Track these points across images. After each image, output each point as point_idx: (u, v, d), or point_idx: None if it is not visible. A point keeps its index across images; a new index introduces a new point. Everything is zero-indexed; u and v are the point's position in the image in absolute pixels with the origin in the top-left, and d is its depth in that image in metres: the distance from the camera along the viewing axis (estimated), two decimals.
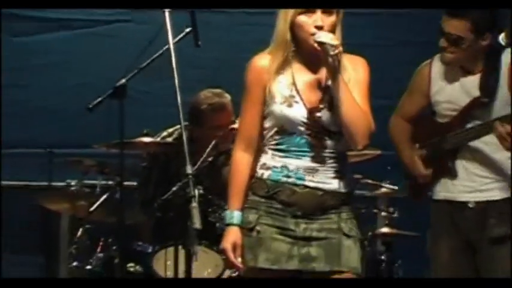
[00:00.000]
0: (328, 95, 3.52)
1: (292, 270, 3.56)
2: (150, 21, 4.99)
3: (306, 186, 3.55)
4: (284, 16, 3.55)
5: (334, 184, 3.57)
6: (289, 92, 3.56)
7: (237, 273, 4.72)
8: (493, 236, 4.18)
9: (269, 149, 3.61)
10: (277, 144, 3.59)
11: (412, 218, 4.69)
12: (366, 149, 4.12)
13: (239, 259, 3.59)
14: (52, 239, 6.18)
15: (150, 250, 5.03)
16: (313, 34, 3.48)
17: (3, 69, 6.27)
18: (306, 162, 3.55)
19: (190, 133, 5.18)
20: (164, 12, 3.91)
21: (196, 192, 3.61)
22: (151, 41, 3.98)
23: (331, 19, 3.52)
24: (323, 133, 3.55)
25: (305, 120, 3.54)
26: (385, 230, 5.31)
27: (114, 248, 5.13)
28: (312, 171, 3.55)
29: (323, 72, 3.55)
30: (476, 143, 4.22)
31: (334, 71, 3.45)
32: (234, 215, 3.60)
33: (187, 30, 4.11)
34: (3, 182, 6.24)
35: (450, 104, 4.28)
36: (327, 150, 3.56)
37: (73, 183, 5.36)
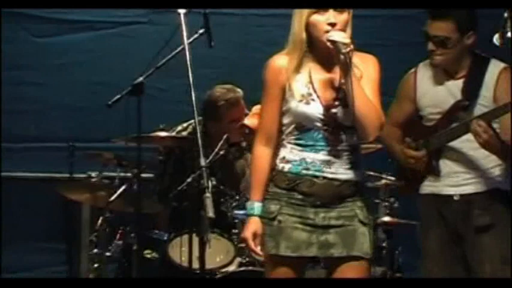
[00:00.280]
0: (342, 93, 3.62)
1: (311, 256, 3.69)
2: (166, 22, 4.81)
3: (325, 178, 3.65)
4: (299, 17, 3.64)
5: (349, 174, 3.67)
6: (307, 90, 3.66)
7: (247, 259, 4.92)
8: (478, 225, 4.29)
9: (288, 143, 3.71)
10: (295, 139, 3.69)
11: (412, 208, 4.76)
12: (375, 142, 4.23)
13: (259, 248, 3.70)
14: (74, 227, 6.19)
15: (166, 238, 5.11)
16: (326, 31, 3.58)
17: (30, 68, 6.31)
18: (322, 155, 3.66)
19: (205, 128, 5.29)
20: (179, 14, 3.99)
21: (210, 183, 3.69)
22: (168, 41, 4.04)
23: (343, 17, 3.61)
24: (338, 128, 3.65)
25: (321, 117, 3.64)
26: (386, 219, 5.28)
27: (132, 235, 5.20)
28: (329, 163, 3.65)
29: (337, 71, 3.64)
30: (456, 143, 4.30)
31: (346, 68, 3.54)
32: (255, 206, 3.71)
33: (201, 31, 4.16)
34: (28, 174, 6.28)
35: (435, 108, 4.36)
36: (342, 144, 3.67)
37: (93, 175, 5.41)
